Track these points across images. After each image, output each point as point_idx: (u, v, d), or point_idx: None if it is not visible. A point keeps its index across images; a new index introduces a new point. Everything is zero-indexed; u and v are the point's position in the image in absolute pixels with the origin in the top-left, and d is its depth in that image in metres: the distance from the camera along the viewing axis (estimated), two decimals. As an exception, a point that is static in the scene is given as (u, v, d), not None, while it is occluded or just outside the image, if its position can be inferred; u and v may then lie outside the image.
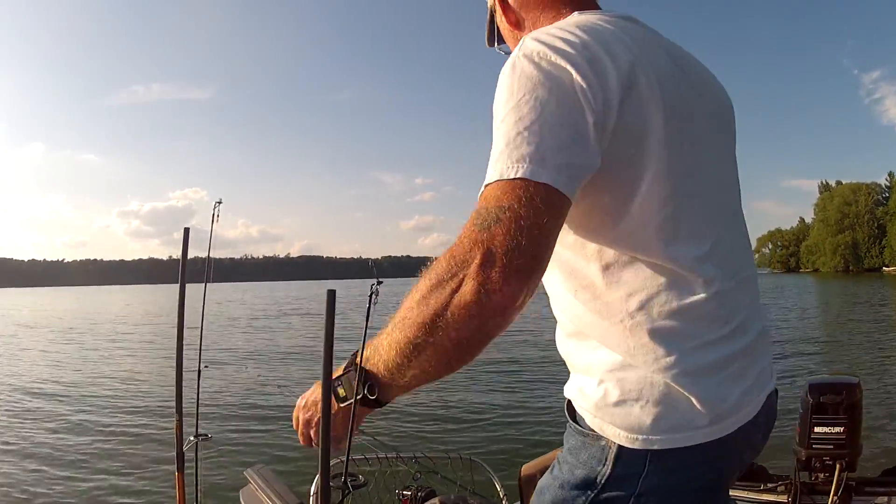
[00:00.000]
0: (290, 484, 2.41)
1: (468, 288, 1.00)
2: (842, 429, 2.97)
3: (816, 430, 3.00)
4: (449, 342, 1.04)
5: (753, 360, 1.22)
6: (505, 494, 2.41)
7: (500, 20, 1.48)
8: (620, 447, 1.15)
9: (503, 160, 1.04)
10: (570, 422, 1.25)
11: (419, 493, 2.42)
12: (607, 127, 1.07)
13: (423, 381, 1.12)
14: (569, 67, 1.07)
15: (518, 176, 1.01)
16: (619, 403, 1.16)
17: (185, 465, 2.23)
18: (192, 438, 2.23)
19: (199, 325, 2.29)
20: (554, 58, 1.08)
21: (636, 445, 1.14)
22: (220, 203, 2.16)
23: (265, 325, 24.77)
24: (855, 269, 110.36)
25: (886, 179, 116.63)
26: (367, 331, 1.24)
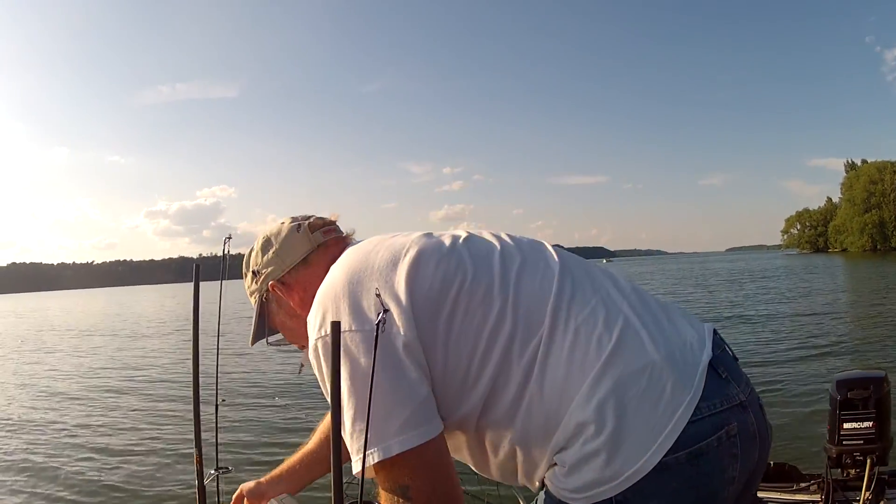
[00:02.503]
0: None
1: None
2: (871, 423, 2.92)
3: (845, 426, 2.95)
4: None
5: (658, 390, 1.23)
6: None
7: (278, 310, 1.60)
8: None
9: (358, 451, 1.20)
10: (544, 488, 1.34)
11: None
12: (416, 350, 1.24)
13: None
14: (356, 327, 1.23)
15: (382, 459, 1.19)
16: (568, 473, 1.24)
17: (207, 499, 2.24)
18: (212, 472, 2.23)
19: (216, 361, 2.30)
20: (347, 332, 1.24)
21: (593, 500, 1.21)
22: (230, 239, 2.17)
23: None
24: (882, 247, 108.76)
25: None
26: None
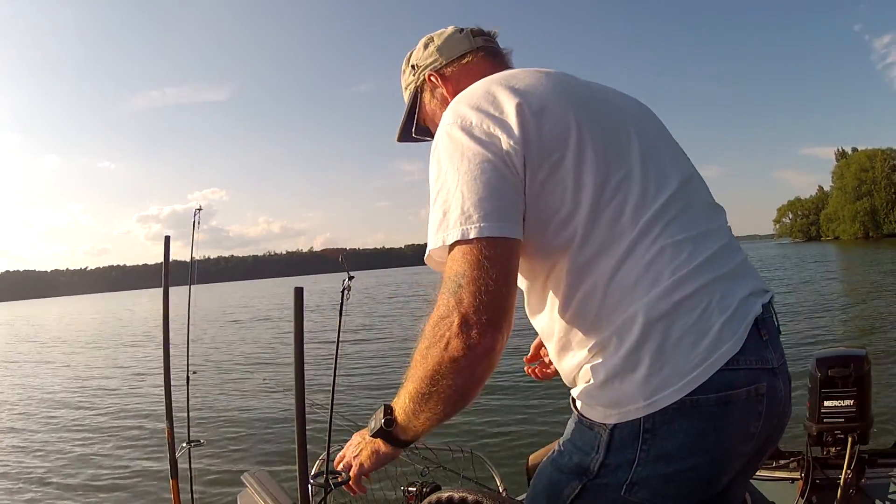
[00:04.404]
0: (285, 486, 2.39)
1: (454, 346, 1.20)
2: (851, 402, 2.91)
3: (826, 403, 2.94)
4: (449, 389, 1.25)
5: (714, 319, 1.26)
6: (505, 488, 2.38)
7: (430, 99, 1.71)
8: (611, 434, 1.25)
9: (440, 229, 1.27)
10: (574, 410, 1.38)
11: (424, 489, 2.38)
12: (518, 161, 1.28)
13: (435, 422, 1.34)
14: (476, 124, 1.31)
15: (456, 239, 1.23)
16: (604, 384, 1.26)
17: (180, 471, 2.22)
18: (184, 445, 2.22)
19: (186, 331, 2.27)
20: (465, 121, 1.33)
21: (625, 419, 1.23)
22: (199, 210, 2.17)
23: (258, 324, 24.89)
24: (874, 235, 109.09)
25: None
26: (341, 329, 1.40)
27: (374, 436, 1.44)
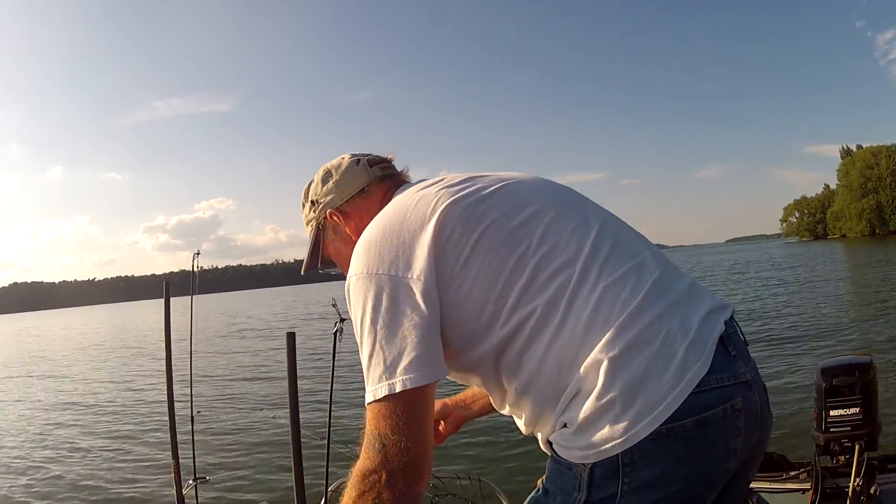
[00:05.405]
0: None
1: (386, 497, 1.25)
2: (857, 409, 2.90)
3: (832, 413, 2.93)
4: None
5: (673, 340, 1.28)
6: None
7: (333, 237, 1.69)
8: (591, 472, 1.26)
9: (368, 383, 1.29)
10: (550, 454, 1.38)
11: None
12: (430, 286, 1.31)
13: None
14: (382, 271, 1.33)
15: (381, 397, 1.27)
16: (578, 430, 1.27)
17: (187, 509, 2.24)
18: (190, 482, 2.24)
19: (189, 376, 2.28)
20: (370, 267, 1.34)
21: (603, 457, 1.24)
22: (198, 254, 2.18)
23: (263, 344, 24.73)
24: (881, 232, 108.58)
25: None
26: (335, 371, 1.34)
27: None
